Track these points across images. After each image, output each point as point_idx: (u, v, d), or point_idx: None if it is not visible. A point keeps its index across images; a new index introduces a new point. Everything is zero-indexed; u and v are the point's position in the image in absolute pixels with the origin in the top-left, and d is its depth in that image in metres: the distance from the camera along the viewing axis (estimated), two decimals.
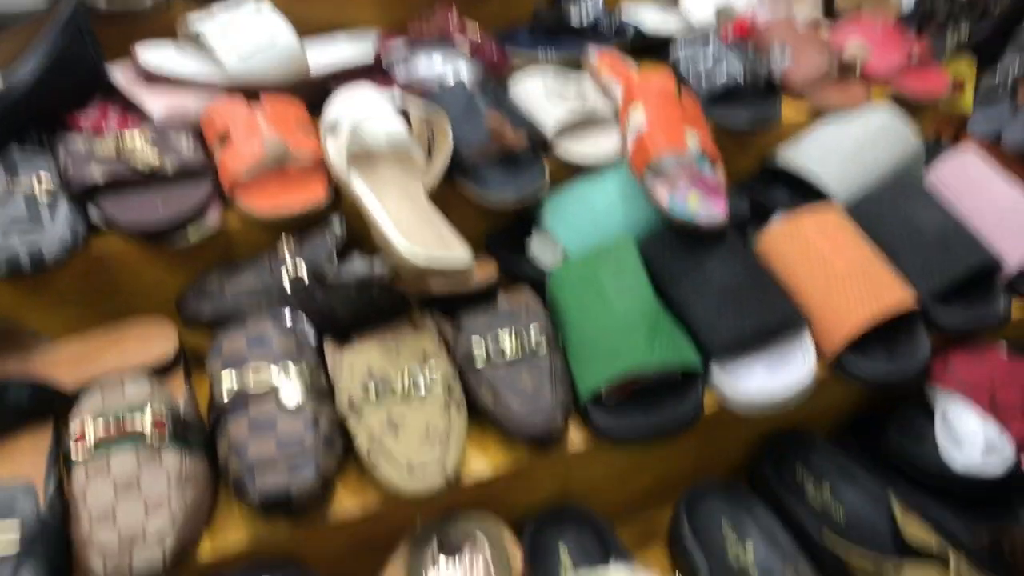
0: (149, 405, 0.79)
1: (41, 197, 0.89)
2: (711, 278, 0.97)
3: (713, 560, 0.91)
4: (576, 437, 0.90)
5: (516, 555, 0.84)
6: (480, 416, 0.89)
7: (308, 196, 0.98)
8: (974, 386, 1.00)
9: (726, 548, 0.93)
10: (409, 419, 0.84)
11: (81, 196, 0.92)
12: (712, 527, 0.95)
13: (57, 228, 0.87)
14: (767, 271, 1.00)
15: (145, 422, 0.78)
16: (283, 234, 0.98)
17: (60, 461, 0.80)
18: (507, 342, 0.90)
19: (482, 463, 0.87)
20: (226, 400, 0.81)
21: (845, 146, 1.17)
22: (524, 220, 1.11)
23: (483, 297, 1.02)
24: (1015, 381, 1.00)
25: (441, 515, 0.89)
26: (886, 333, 0.98)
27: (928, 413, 1.03)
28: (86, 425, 0.78)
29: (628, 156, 1.05)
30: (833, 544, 0.90)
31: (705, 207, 0.99)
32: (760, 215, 1.16)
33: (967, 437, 0.97)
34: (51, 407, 0.83)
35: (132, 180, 0.94)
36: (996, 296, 1.05)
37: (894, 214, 1.08)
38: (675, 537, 0.94)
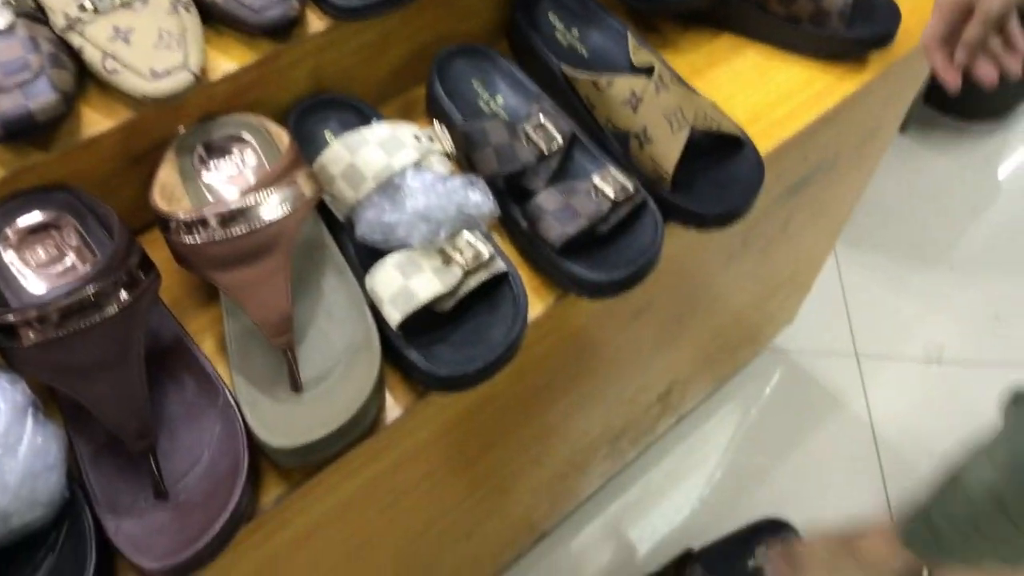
0: None
1: None
2: None
3: (466, 110, 0.98)
4: (316, 21, 0.90)
5: (283, 137, 0.87)
6: (212, 16, 0.87)
7: None
8: None
9: (478, 100, 1.00)
10: (138, 25, 0.80)
11: None
12: (463, 85, 1.01)
13: None
14: None
15: None
16: None
17: None
18: None
19: (226, 63, 0.87)
20: None
21: None
22: None
23: None
24: None
25: (200, 121, 0.89)
26: None
27: None
28: None
29: None
30: (571, 77, 0.98)
31: None
32: None
33: None
34: None
35: None
36: None
37: None
38: (431, 99, 0.99)
